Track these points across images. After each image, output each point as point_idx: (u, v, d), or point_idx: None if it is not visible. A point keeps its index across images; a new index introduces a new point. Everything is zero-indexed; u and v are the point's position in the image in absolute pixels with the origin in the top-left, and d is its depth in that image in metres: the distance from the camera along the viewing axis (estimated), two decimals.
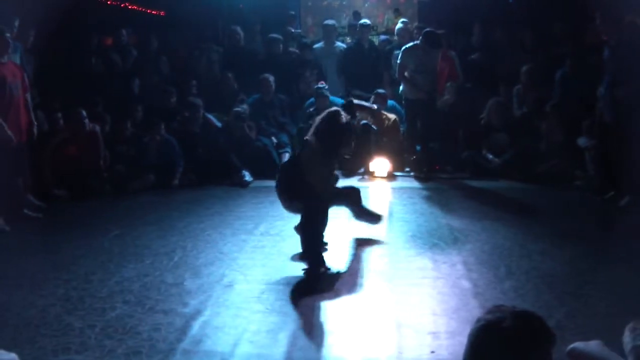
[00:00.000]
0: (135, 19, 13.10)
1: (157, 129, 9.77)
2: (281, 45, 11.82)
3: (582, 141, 8.94)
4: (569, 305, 4.89)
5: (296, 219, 6.25)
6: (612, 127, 8.00)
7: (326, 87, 10.87)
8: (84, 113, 9.28)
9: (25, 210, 7.98)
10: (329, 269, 5.88)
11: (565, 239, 6.71)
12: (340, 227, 7.20)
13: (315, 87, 10.88)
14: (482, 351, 2.07)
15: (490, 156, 9.87)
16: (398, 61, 9.97)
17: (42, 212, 8.16)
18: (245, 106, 10.61)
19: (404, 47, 9.98)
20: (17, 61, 8.16)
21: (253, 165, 9.88)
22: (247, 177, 9.64)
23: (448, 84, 10.53)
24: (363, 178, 9.91)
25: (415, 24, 12.29)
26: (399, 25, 11.85)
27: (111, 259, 6.29)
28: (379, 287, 5.42)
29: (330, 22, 12.61)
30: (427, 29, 10.01)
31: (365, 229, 7.04)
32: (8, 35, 7.65)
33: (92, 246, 6.75)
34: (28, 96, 8.03)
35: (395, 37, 11.82)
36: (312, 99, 10.91)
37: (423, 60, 9.69)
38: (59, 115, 9.58)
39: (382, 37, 13.24)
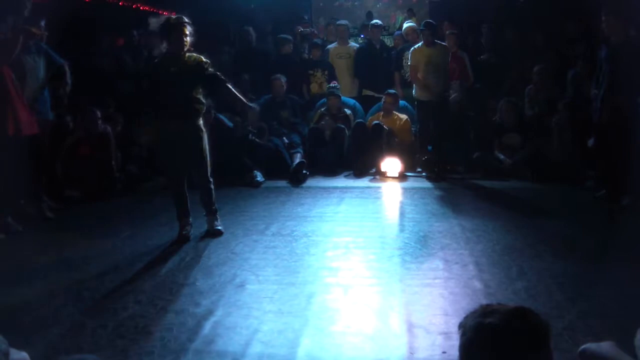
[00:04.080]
0: (146, 20, 13.12)
1: None
2: (290, 46, 11.85)
3: (592, 142, 8.90)
4: (580, 306, 4.87)
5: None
6: (610, 127, 7.98)
7: (338, 86, 10.92)
8: (98, 113, 9.33)
9: (37, 211, 8.00)
10: None
11: (577, 240, 6.68)
12: (350, 227, 7.23)
13: (327, 86, 10.93)
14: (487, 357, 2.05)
15: (502, 156, 9.86)
16: (409, 63, 9.99)
17: (54, 213, 8.19)
18: (255, 105, 10.59)
19: (412, 49, 10.00)
20: (41, 62, 8.17)
21: (265, 166, 9.91)
22: (259, 177, 9.65)
23: (454, 82, 10.51)
24: (374, 178, 9.92)
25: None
26: (405, 26, 11.90)
27: (123, 259, 6.31)
28: (390, 288, 5.41)
29: (343, 22, 12.64)
30: (422, 23, 10.21)
31: (375, 230, 7.09)
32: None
33: (105, 246, 6.77)
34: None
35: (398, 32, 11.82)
36: (323, 100, 10.94)
37: (432, 59, 9.71)
38: (69, 117, 9.62)
39: (397, 32, 13.24)
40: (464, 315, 2.19)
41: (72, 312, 5.03)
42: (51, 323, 4.83)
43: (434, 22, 10.21)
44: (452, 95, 10.40)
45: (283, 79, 10.95)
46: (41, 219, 7.94)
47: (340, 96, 10.91)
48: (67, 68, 8.54)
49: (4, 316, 4.94)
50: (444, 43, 10.13)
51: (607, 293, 5.12)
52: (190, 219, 7.14)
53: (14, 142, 7.36)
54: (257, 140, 9.99)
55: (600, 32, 8.27)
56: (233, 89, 7.20)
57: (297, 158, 10.02)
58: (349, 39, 12.57)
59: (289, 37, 11.98)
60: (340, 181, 9.87)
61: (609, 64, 7.92)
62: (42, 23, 8.09)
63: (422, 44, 9.89)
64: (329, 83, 11.28)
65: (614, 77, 7.83)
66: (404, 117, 10.56)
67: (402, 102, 10.91)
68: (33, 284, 5.70)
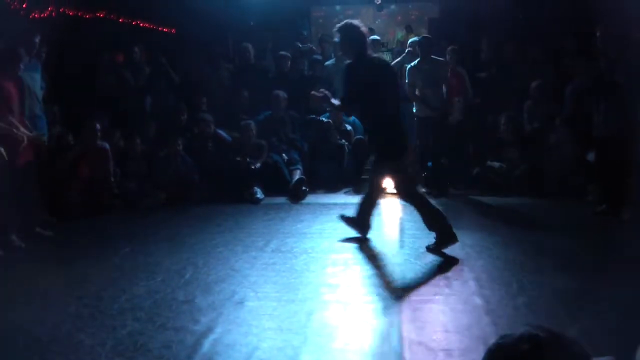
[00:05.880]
0: (146, 37, 13.17)
1: (174, 143, 9.81)
2: (289, 62, 11.85)
3: (592, 156, 8.90)
4: (582, 322, 4.83)
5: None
6: (610, 140, 7.99)
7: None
8: (98, 126, 9.32)
9: (37, 229, 7.99)
10: None
11: (577, 254, 6.67)
12: (351, 243, 7.21)
13: None
14: None
15: (497, 164, 9.83)
16: (406, 81, 10.00)
17: (53, 230, 8.17)
18: (250, 122, 10.59)
19: (408, 66, 10.02)
20: (38, 79, 8.19)
21: (264, 182, 9.89)
22: (259, 194, 9.64)
23: (456, 99, 10.52)
24: None
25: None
26: (410, 40, 11.84)
27: (122, 276, 6.29)
28: (390, 304, 5.39)
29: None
30: (420, 38, 10.24)
31: (377, 246, 7.08)
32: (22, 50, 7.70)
33: (103, 263, 6.75)
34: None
35: (409, 49, 11.71)
36: (326, 114, 10.94)
37: (429, 75, 9.74)
38: (70, 135, 9.64)
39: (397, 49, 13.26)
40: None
41: (70, 330, 5.00)
42: (49, 341, 4.80)
43: (430, 37, 10.24)
44: (454, 114, 10.41)
45: (283, 95, 10.95)
46: (37, 237, 7.92)
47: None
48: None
49: (1, 334, 4.92)
50: (440, 58, 10.16)
51: (609, 308, 5.10)
52: None
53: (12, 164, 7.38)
54: (255, 166, 9.97)
55: (598, 46, 8.31)
56: None
57: (297, 174, 10.01)
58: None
59: (288, 54, 11.99)
60: (340, 197, 9.86)
61: (607, 79, 7.95)
62: (36, 39, 8.11)
63: (418, 61, 9.91)
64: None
65: (613, 91, 7.86)
66: None
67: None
68: (31, 301, 5.68)
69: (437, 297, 5.50)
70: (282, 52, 11.98)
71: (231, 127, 10.78)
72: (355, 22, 7.02)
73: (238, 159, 9.98)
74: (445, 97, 10.00)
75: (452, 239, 6.71)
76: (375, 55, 7.31)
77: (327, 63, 12.13)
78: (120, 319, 5.18)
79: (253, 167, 9.87)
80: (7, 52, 7.58)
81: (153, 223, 8.59)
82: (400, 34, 16.18)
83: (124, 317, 5.24)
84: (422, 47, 9.92)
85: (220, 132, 10.53)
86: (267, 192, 9.79)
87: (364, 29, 6.99)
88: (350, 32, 6.87)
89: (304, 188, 9.80)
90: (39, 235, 7.93)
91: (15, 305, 5.60)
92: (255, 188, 9.68)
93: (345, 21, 7.04)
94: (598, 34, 8.17)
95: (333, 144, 10.49)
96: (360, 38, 6.89)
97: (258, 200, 9.55)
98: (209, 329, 4.92)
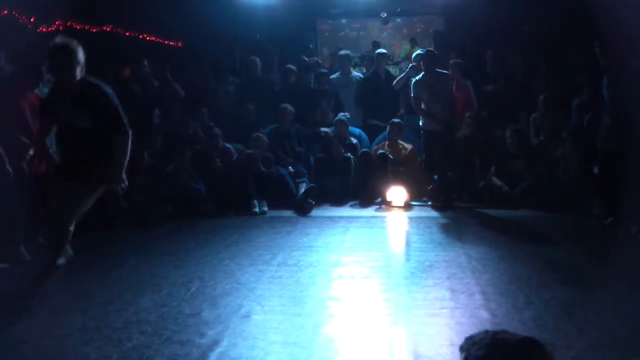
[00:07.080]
0: (153, 50, 13.22)
1: (181, 157, 9.83)
2: (294, 76, 11.87)
3: (598, 169, 8.89)
4: (589, 335, 4.83)
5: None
6: (616, 153, 7.99)
7: (347, 115, 10.98)
8: None
9: (40, 240, 7.99)
10: None
11: (584, 268, 6.66)
12: (356, 257, 7.21)
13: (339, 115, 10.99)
14: None
15: (500, 182, 9.82)
16: (412, 95, 10.01)
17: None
18: (262, 135, 10.62)
19: (413, 81, 10.03)
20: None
21: (270, 195, 9.90)
22: (263, 207, 9.66)
23: (467, 115, 10.53)
24: (380, 207, 9.91)
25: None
26: (415, 53, 11.87)
27: (128, 289, 6.28)
28: (396, 318, 5.38)
29: (344, 52, 12.69)
30: (423, 52, 10.29)
31: (381, 259, 7.07)
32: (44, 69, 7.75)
33: (109, 276, 6.75)
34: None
35: (413, 63, 11.74)
36: (330, 128, 10.97)
37: (435, 88, 9.76)
38: None
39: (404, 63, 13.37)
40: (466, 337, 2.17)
41: (76, 343, 4.99)
42: (55, 355, 4.80)
43: (434, 51, 10.27)
44: (462, 130, 10.41)
45: (290, 109, 10.97)
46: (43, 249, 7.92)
47: (347, 124, 10.95)
48: None
49: (6, 348, 4.92)
50: (445, 71, 10.17)
51: (616, 322, 5.09)
52: None
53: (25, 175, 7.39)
54: (262, 168, 10.01)
55: (600, 60, 8.32)
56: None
57: (303, 187, 10.01)
58: (354, 68, 12.61)
59: (294, 68, 12.02)
60: (346, 211, 9.87)
61: (610, 92, 7.97)
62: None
63: (422, 75, 9.92)
64: (335, 112, 11.32)
65: (616, 105, 7.87)
66: (409, 146, 10.59)
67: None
68: (37, 314, 5.67)
69: (443, 311, 5.49)
70: (289, 66, 12.02)
71: (238, 141, 10.80)
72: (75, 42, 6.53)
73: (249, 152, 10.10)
74: (452, 110, 10.01)
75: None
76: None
77: (332, 76, 12.17)
78: (126, 332, 5.18)
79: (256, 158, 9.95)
80: (30, 72, 7.61)
81: (159, 236, 8.59)
82: (405, 47, 16.23)
83: (130, 330, 5.23)
84: (426, 61, 9.95)
85: (229, 146, 10.54)
86: (273, 206, 9.79)
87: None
88: (78, 54, 6.52)
89: (310, 200, 9.78)
90: (43, 247, 7.92)
91: (21, 318, 5.59)
92: (259, 201, 9.71)
93: (66, 41, 6.48)
94: (597, 48, 8.18)
95: (338, 157, 10.50)
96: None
97: (264, 212, 9.57)
98: (215, 343, 4.91)
